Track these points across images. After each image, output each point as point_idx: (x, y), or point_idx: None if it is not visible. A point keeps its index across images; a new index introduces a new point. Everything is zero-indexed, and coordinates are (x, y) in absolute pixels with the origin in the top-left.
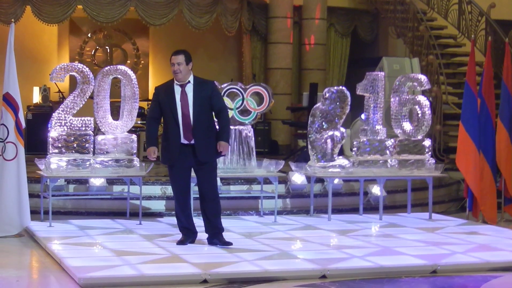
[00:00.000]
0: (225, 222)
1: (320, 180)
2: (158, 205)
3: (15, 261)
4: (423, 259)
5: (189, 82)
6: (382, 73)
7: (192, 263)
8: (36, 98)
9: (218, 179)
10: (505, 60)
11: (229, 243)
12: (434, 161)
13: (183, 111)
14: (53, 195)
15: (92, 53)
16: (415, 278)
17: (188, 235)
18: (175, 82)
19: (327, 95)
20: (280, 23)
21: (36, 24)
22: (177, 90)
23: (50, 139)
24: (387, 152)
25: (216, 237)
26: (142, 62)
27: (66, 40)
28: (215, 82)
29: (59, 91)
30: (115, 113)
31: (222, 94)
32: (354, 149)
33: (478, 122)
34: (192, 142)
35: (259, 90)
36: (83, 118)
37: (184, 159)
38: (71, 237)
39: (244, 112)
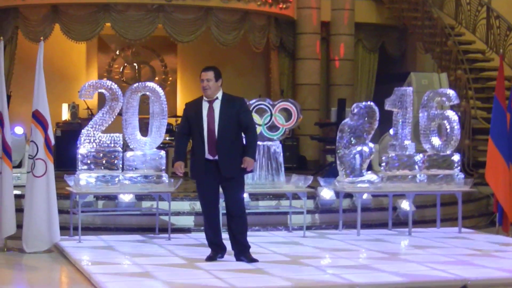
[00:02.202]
0: (254, 238)
1: (349, 195)
2: (187, 221)
3: (44, 277)
4: (453, 274)
5: (217, 98)
6: (411, 88)
7: (221, 279)
8: (65, 115)
9: (247, 195)
10: None
11: (255, 260)
12: (463, 176)
13: (209, 127)
14: (82, 211)
15: (121, 70)
16: None
17: (217, 251)
18: (204, 98)
19: (356, 110)
20: (308, 39)
21: (65, 42)
22: (205, 106)
23: (79, 156)
24: (416, 167)
25: (242, 254)
26: (170, 78)
27: (95, 58)
28: (244, 99)
29: (88, 108)
30: (144, 129)
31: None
32: (383, 164)
33: (507, 137)
34: (216, 157)
35: (287, 106)
36: (112, 135)
37: (210, 174)
38: (100, 253)
39: (273, 128)
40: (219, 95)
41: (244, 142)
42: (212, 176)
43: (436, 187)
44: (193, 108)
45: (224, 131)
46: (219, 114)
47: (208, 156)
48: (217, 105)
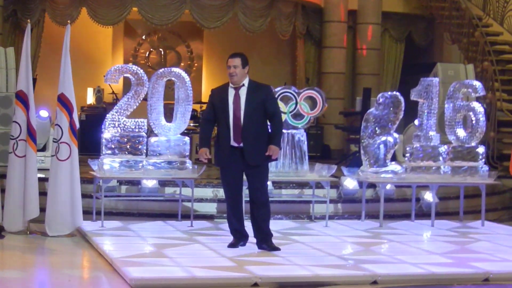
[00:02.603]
0: (276, 226)
1: (372, 185)
2: (210, 208)
3: (67, 260)
4: (475, 267)
5: (243, 85)
6: (437, 79)
7: (243, 266)
8: (90, 99)
9: (270, 183)
10: None
11: (277, 248)
12: (487, 168)
13: (235, 114)
14: (105, 196)
15: (146, 55)
16: (467, 285)
17: (240, 238)
18: (230, 85)
19: (381, 100)
20: (335, 28)
21: (91, 26)
22: (231, 92)
23: (104, 140)
24: (440, 158)
25: (264, 242)
26: (196, 64)
27: (121, 42)
28: (270, 86)
29: (113, 93)
30: (168, 115)
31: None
32: (407, 155)
33: None
34: (241, 145)
35: (312, 94)
36: (136, 120)
37: (234, 162)
38: (122, 238)
39: (297, 116)
40: (246, 82)
41: (270, 130)
42: (236, 163)
43: (460, 179)
44: (219, 94)
45: (250, 118)
46: (245, 101)
47: (233, 143)
48: (243, 92)
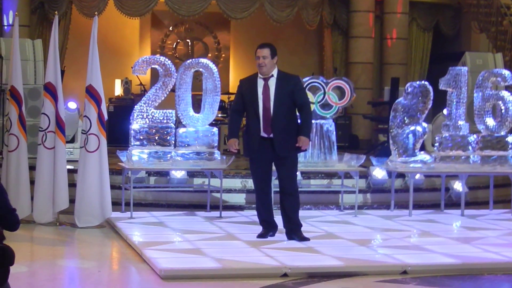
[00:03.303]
0: (305, 216)
1: (401, 175)
2: (239, 198)
3: (96, 251)
4: (506, 256)
5: (272, 75)
6: (466, 68)
7: (272, 257)
8: (118, 90)
9: (299, 173)
10: None
11: (307, 239)
12: None
13: (264, 105)
14: (134, 187)
15: (174, 46)
16: (497, 275)
17: (268, 229)
18: (259, 75)
19: (410, 89)
20: (362, 17)
21: (118, 17)
22: (260, 83)
23: (132, 131)
24: (470, 148)
25: (294, 232)
26: (223, 55)
27: (148, 33)
28: (299, 77)
29: (141, 84)
30: (196, 106)
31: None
32: (436, 144)
33: None
34: (271, 135)
35: (340, 84)
36: (164, 111)
37: (264, 152)
38: (151, 229)
39: (326, 106)
40: (275, 72)
41: (299, 120)
42: (266, 154)
43: (489, 168)
44: (248, 85)
45: (279, 109)
46: (275, 92)
47: (263, 134)
48: (272, 83)
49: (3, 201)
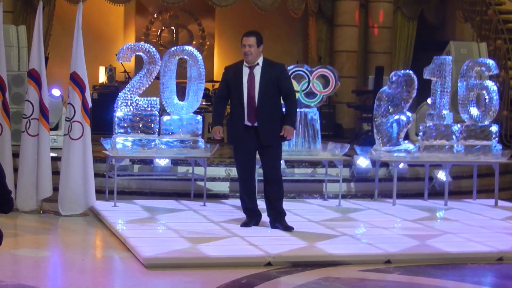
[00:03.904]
0: (289, 205)
1: (385, 164)
2: (222, 187)
3: (80, 240)
4: (489, 246)
5: (257, 64)
6: (450, 57)
7: (256, 245)
8: (102, 77)
9: (283, 162)
10: None
11: (291, 228)
12: (500, 147)
13: (249, 93)
14: (118, 175)
15: (158, 33)
16: (480, 265)
17: (252, 217)
18: (244, 63)
19: (394, 78)
20: (347, 6)
21: (103, 4)
22: (245, 71)
23: (116, 119)
24: (454, 137)
25: (278, 221)
26: (208, 43)
27: (132, 20)
28: (285, 65)
29: (125, 71)
30: (181, 93)
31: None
32: (420, 133)
33: None
34: (256, 124)
35: (325, 73)
36: (149, 99)
37: (248, 140)
38: (135, 217)
39: (310, 94)
40: (260, 60)
41: (283, 109)
42: (250, 142)
43: (473, 158)
44: (233, 72)
45: (264, 97)
46: (260, 80)
47: (247, 122)
48: (257, 71)
49: (2, 182)
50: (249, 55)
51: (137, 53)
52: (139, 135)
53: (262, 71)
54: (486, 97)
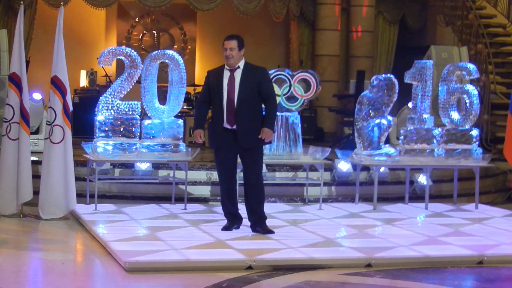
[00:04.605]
0: (270, 208)
1: (366, 168)
2: (204, 191)
3: (60, 244)
4: (469, 250)
5: (238, 67)
6: (431, 62)
7: (237, 249)
8: (83, 81)
9: (264, 166)
10: None
11: (271, 231)
12: (481, 151)
13: (229, 96)
14: (99, 179)
15: (140, 37)
16: (461, 268)
17: (233, 221)
18: (226, 66)
19: (375, 82)
20: (328, 10)
21: (84, 8)
22: (226, 74)
23: (97, 123)
24: (434, 141)
25: (258, 225)
26: (189, 47)
27: (114, 24)
28: (266, 69)
29: (106, 75)
30: (162, 97)
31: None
32: (401, 137)
33: None
34: (235, 127)
35: (306, 77)
36: (130, 102)
37: (228, 144)
38: (116, 221)
39: (291, 98)
40: (241, 64)
41: (264, 113)
42: (230, 145)
43: (453, 162)
44: (215, 76)
45: (244, 100)
46: (239, 83)
47: (226, 125)
48: (238, 74)
49: None
50: (230, 58)
51: (119, 57)
52: (120, 139)
53: (243, 75)
54: (467, 101)
